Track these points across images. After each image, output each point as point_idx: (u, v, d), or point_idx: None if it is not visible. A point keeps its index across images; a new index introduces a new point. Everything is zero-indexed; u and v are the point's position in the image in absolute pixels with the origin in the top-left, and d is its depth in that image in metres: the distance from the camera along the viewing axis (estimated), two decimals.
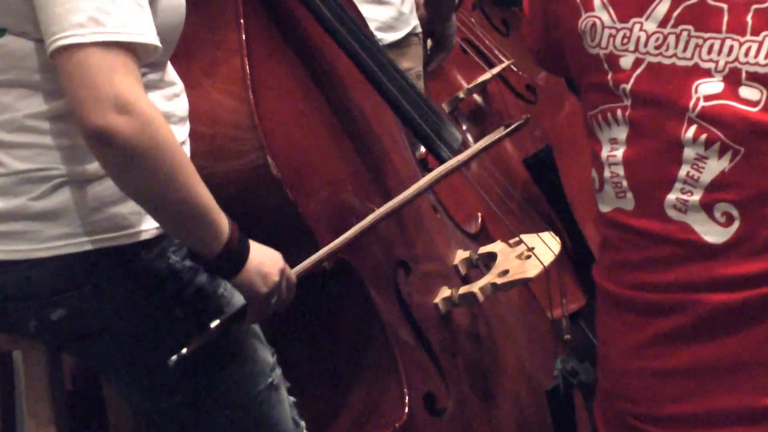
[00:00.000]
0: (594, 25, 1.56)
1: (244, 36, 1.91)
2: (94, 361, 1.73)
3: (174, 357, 1.60)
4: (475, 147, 2.15)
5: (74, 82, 1.47)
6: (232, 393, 1.71)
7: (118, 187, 1.56)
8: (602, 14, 1.55)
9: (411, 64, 2.85)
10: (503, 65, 3.33)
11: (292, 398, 1.82)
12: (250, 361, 1.73)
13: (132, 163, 1.49)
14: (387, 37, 2.79)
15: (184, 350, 1.60)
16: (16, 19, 1.54)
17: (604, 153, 1.58)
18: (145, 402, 1.73)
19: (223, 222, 1.60)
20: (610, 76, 1.55)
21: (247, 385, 1.72)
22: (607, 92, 1.56)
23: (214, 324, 1.65)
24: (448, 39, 2.94)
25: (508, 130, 2.18)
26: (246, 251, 1.64)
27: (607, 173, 1.58)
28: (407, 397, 1.98)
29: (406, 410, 1.97)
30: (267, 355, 1.77)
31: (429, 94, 2.93)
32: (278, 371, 1.79)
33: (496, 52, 3.40)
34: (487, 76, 3.23)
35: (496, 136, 2.18)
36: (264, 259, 1.67)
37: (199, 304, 1.66)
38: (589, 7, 1.56)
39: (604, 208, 1.60)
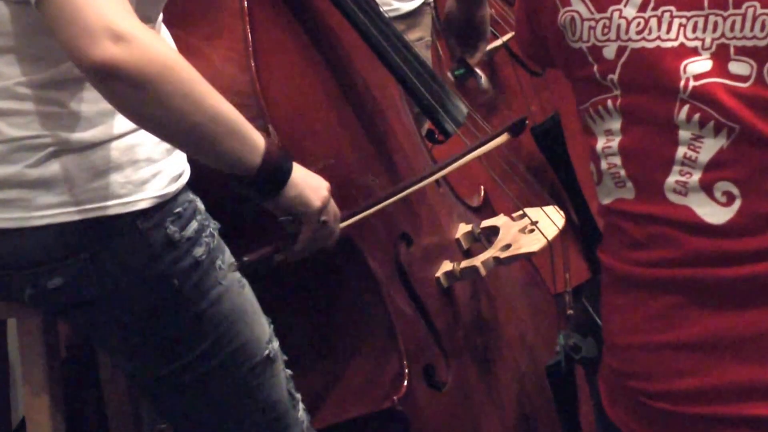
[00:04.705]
0: (573, 19, 1.55)
1: (246, 2, 1.89)
2: (90, 329, 1.72)
3: (234, 262, 1.63)
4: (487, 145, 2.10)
5: (62, 21, 1.40)
6: (227, 364, 1.70)
7: (136, 124, 1.50)
8: (579, 7, 1.54)
9: (422, 33, 2.85)
10: (510, 35, 3.28)
11: (289, 371, 1.81)
12: (246, 331, 1.71)
13: (143, 92, 1.42)
14: (403, 6, 2.81)
15: (246, 258, 1.64)
16: None
17: (600, 145, 1.57)
18: (139, 371, 1.72)
19: (255, 134, 1.55)
20: (595, 68, 1.54)
21: (243, 355, 1.71)
22: (596, 84, 1.55)
23: (266, 249, 1.65)
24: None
25: (506, 127, 2.12)
26: (288, 160, 1.60)
27: (604, 164, 1.57)
28: (406, 369, 1.97)
29: (405, 383, 1.97)
30: (264, 326, 1.76)
31: (439, 65, 2.90)
32: (275, 343, 1.77)
33: (502, 22, 3.35)
34: (497, 43, 3.18)
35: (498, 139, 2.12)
36: (307, 174, 1.64)
37: (195, 275, 1.65)
38: (566, 2, 1.55)
39: (605, 200, 1.59)
